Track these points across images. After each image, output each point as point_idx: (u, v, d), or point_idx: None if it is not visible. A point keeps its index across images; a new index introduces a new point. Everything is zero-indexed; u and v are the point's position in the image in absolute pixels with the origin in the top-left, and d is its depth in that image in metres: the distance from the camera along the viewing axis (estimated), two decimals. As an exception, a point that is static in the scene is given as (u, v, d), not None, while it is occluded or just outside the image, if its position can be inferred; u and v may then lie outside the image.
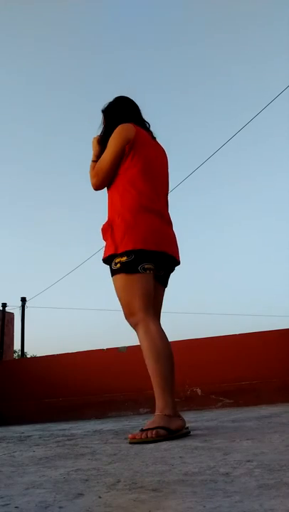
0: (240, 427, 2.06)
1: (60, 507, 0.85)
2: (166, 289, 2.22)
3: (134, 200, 2.02)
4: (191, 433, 1.92)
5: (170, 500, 0.83)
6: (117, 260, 1.96)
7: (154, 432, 1.74)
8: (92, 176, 2.13)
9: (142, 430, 1.78)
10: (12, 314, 15.05)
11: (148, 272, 1.97)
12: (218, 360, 4.00)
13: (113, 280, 2.01)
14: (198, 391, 3.93)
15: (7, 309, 14.69)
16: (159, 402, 1.85)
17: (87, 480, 1.09)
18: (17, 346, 15.95)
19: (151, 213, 2.02)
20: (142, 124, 2.24)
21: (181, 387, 3.96)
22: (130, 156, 2.07)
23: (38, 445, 2.01)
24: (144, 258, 1.95)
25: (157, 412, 1.83)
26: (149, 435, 1.73)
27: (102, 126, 2.25)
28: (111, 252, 1.99)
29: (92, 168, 2.16)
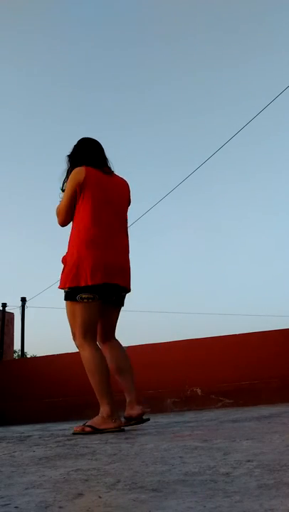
0: (240, 427, 2.06)
1: (60, 507, 0.85)
2: (122, 308, 2.56)
3: (82, 236, 2.30)
4: (191, 433, 1.92)
5: (170, 500, 0.83)
6: (66, 291, 2.31)
7: (86, 428, 2.27)
8: (56, 215, 2.43)
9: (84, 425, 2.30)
10: (12, 314, 15.06)
11: (86, 300, 2.28)
12: (218, 360, 4.00)
13: (66, 305, 2.36)
14: (198, 391, 3.93)
15: (7, 309, 14.69)
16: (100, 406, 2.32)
17: (87, 480, 1.09)
18: (17, 346, 15.95)
19: (98, 249, 2.29)
20: (100, 163, 2.46)
21: (181, 387, 3.96)
22: (81, 197, 2.34)
23: (38, 445, 2.01)
24: (82, 290, 2.27)
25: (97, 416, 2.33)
26: (86, 430, 2.27)
27: (65, 171, 2.50)
28: (60, 285, 2.33)
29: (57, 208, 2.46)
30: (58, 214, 2.41)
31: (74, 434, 2.30)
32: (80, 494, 0.94)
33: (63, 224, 2.40)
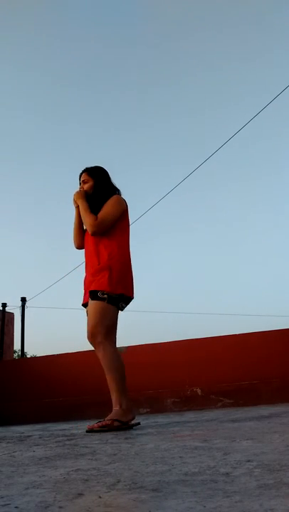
0: (240, 427, 2.06)
1: (60, 507, 0.85)
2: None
3: (125, 254, 2.68)
4: (191, 433, 1.92)
5: (170, 500, 0.83)
6: (105, 293, 2.52)
7: (109, 422, 2.38)
8: (94, 225, 2.64)
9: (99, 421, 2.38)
10: (12, 314, 15.06)
11: (121, 308, 2.60)
12: (218, 360, 4.00)
13: (93, 303, 2.52)
14: (198, 391, 3.93)
15: (7, 309, 14.69)
16: (115, 401, 2.48)
17: (87, 480, 1.09)
18: (17, 346, 15.96)
19: (130, 267, 2.71)
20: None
21: (181, 387, 3.96)
22: (121, 221, 2.73)
23: (38, 445, 2.01)
24: (124, 299, 2.60)
25: (115, 407, 2.46)
26: (115, 424, 2.37)
27: (89, 183, 2.79)
28: (104, 288, 2.52)
29: (87, 214, 2.68)
30: (99, 225, 2.64)
31: (94, 431, 2.36)
32: (80, 494, 0.94)
33: (100, 233, 2.65)
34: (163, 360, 4.12)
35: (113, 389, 2.48)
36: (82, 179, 2.82)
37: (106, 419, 2.42)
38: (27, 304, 14.78)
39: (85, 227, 2.78)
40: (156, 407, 3.96)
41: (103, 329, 2.50)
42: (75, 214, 2.83)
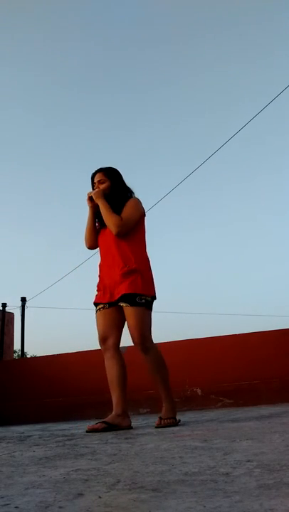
0: (240, 427, 2.06)
1: (60, 507, 0.85)
2: None
3: (146, 256, 2.75)
4: (191, 433, 1.92)
5: (170, 500, 0.83)
6: (142, 297, 2.57)
7: (172, 420, 2.51)
8: (120, 225, 2.66)
9: (161, 419, 2.51)
10: (12, 314, 15.05)
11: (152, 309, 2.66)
12: (218, 360, 4.00)
13: (136, 310, 2.55)
14: (198, 391, 3.93)
15: (7, 309, 14.68)
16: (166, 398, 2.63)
17: (87, 480, 1.09)
18: (17, 346, 15.94)
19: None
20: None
21: (181, 387, 3.96)
22: (140, 224, 2.79)
23: (38, 445, 2.01)
24: (153, 301, 2.66)
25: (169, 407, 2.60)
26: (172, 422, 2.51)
27: (105, 183, 2.79)
28: (140, 291, 2.57)
29: (111, 215, 2.68)
30: (123, 226, 2.66)
31: (158, 427, 2.45)
32: (80, 494, 0.94)
33: (121, 235, 2.67)
34: (163, 360, 4.12)
35: (165, 387, 2.60)
36: (97, 179, 2.82)
37: (165, 417, 2.52)
38: (27, 304, 14.78)
39: (94, 228, 2.80)
40: (156, 407, 3.96)
41: (149, 334, 2.60)
42: (89, 213, 2.83)
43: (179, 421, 2.55)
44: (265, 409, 3.07)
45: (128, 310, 2.55)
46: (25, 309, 14.74)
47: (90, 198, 2.80)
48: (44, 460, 1.49)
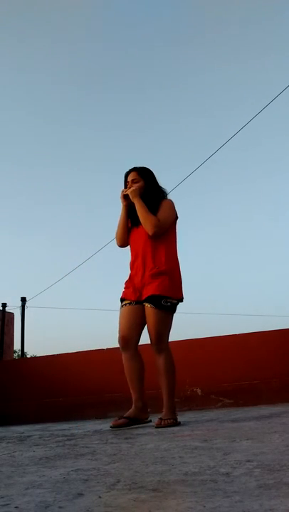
0: (240, 427, 2.06)
1: (60, 507, 0.85)
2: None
3: (177, 259, 2.78)
4: (191, 433, 1.92)
5: (170, 500, 0.83)
6: (168, 300, 2.59)
7: (172, 421, 2.51)
8: (157, 226, 2.68)
9: (161, 419, 2.51)
10: (12, 314, 15.05)
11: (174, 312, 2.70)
12: (218, 360, 4.00)
13: (158, 313, 2.57)
14: (198, 391, 3.93)
15: (7, 309, 14.68)
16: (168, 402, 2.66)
17: (87, 480, 1.09)
18: (17, 346, 15.94)
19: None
20: None
21: (181, 387, 3.95)
22: (174, 226, 2.83)
23: (38, 445, 2.01)
24: (178, 303, 2.69)
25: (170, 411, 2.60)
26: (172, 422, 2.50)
27: (139, 183, 2.79)
28: (167, 293, 2.59)
29: (149, 215, 2.69)
30: (161, 227, 2.68)
31: (158, 427, 2.46)
32: (80, 494, 0.94)
33: (157, 235, 2.68)
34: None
35: (168, 392, 2.64)
36: (131, 178, 2.82)
37: (166, 418, 2.53)
38: (27, 304, 14.78)
39: (127, 226, 2.82)
40: (156, 407, 3.96)
41: (167, 337, 2.64)
42: (123, 212, 2.82)
43: (180, 423, 2.55)
44: (265, 409, 3.07)
45: (151, 311, 2.57)
46: (25, 309, 14.74)
47: (125, 196, 2.79)
48: (44, 460, 1.49)
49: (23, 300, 14.76)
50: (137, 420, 2.58)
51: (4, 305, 14.54)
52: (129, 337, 2.66)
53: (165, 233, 2.73)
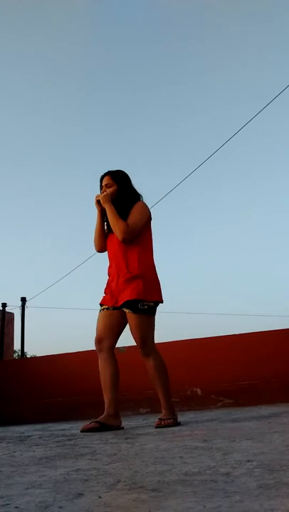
0: (240, 427, 2.06)
1: (60, 507, 0.85)
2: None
3: (152, 261, 2.75)
4: (191, 433, 1.92)
5: (170, 500, 0.83)
6: (145, 303, 2.57)
7: (173, 421, 2.50)
8: (126, 232, 2.66)
9: (161, 419, 2.50)
10: (12, 314, 15.03)
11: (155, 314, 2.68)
12: (218, 360, 4.00)
13: (137, 317, 2.57)
14: (198, 391, 3.93)
15: (7, 309, 14.68)
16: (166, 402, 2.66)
17: (87, 480, 1.09)
18: (17, 346, 15.94)
19: (157, 273, 2.76)
20: None
21: (181, 387, 3.96)
22: (147, 228, 2.79)
23: (38, 445, 2.01)
24: (157, 306, 2.67)
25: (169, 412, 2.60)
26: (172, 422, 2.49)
27: (112, 187, 2.77)
28: (141, 297, 2.57)
29: (118, 220, 2.67)
30: (131, 232, 2.66)
31: (158, 427, 2.46)
32: (80, 494, 0.94)
33: (127, 241, 2.67)
34: (163, 360, 4.12)
35: (164, 394, 2.63)
36: (104, 183, 2.81)
37: (165, 418, 2.52)
38: (27, 304, 14.79)
39: (103, 231, 2.82)
40: (156, 407, 3.95)
41: (151, 340, 2.64)
42: (98, 217, 2.83)
43: (180, 423, 2.55)
44: (265, 409, 3.07)
45: (130, 316, 2.57)
46: (25, 309, 14.75)
47: (98, 202, 2.79)
48: (44, 460, 1.49)
49: (23, 300, 14.76)
50: (108, 427, 2.49)
51: (4, 305, 14.53)
52: (103, 338, 2.66)
53: (138, 236, 2.71)
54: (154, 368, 2.61)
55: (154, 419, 2.69)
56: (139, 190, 2.86)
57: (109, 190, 2.77)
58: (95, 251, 2.92)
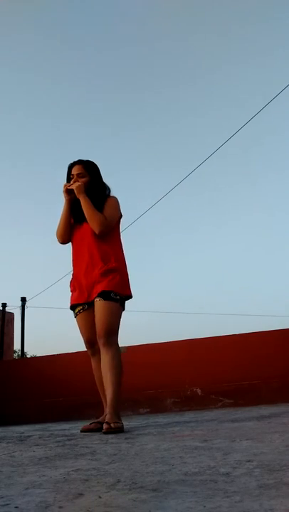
0: (240, 427, 2.06)
1: (60, 507, 0.85)
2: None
3: (123, 256, 2.71)
4: (191, 433, 1.92)
5: (170, 500, 0.83)
6: (118, 294, 2.53)
7: (121, 424, 2.32)
8: (104, 225, 2.61)
9: (109, 424, 2.28)
10: (12, 314, 15.04)
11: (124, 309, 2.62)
12: (218, 360, 4.00)
13: (108, 304, 2.49)
14: (198, 391, 3.93)
15: (7, 309, 14.68)
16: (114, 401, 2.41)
17: (87, 480, 1.09)
18: (17, 346, 15.94)
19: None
20: None
21: (181, 387, 3.96)
22: (118, 224, 2.79)
23: (38, 445, 2.01)
24: (127, 300, 2.64)
25: (114, 412, 2.38)
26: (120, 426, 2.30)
27: (85, 178, 2.69)
28: (117, 290, 2.53)
29: (95, 213, 2.61)
30: (107, 226, 2.62)
31: (107, 432, 2.25)
32: (80, 494, 0.94)
33: (103, 234, 2.62)
34: (163, 360, 4.12)
35: (113, 389, 2.39)
36: (76, 172, 2.70)
37: (114, 421, 2.31)
38: (27, 304, 14.79)
39: (69, 222, 2.72)
40: (156, 407, 3.96)
41: (116, 329, 2.53)
42: (66, 207, 2.72)
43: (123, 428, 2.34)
44: (265, 409, 3.07)
45: (100, 304, 2.49)
46: (25, 309, 14.75)
47: (68, 191, 2.69)
48: (44, 460, 1.49)
49: (23, 300, 14.77)
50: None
51: (4, 305, 14.53)
52: (93, 340, 2.57)
53: (111, 231, 2.66)
54: (112, 361, 2.44)
55: (154, 419, 2.69)
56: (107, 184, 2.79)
57: (82, 181, 2.68)
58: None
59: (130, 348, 4.09)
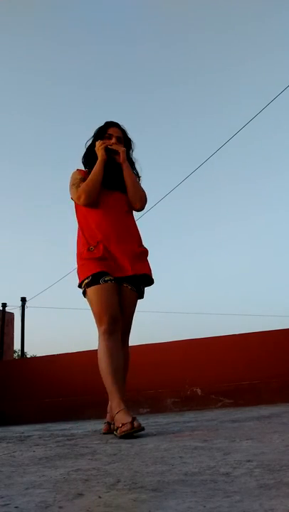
0: (240, 427, 2.06)
1: (60, 507, 0.85)
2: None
3: None
4: (191, 433, 1.92)
5: (170, 500, 0.83)
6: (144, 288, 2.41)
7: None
8: (145, 201, 2.44)
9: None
10: (12, 314, 15.05)
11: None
12: (218, 360, 4.00)
13: (136, 300, 2.37)
14: (198, 391, 3.93)
15: (7, 309, 14.69)
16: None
17: (87, 480, 1.09)
18: (17, 346, 15.97)
19: None
20: None
21: (181, 387, 3.96)
22: None
23: (38, 445, 2.01)
24: None
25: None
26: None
27: (123, 146, 2.47)
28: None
29: (139, 186, 2.45)
30: (145, 205, 2.46)
31: (104, 433, 2.26)
32: (80, 494, 0.94)
33: (141, 210, 2.48)
34: (163, 360, 4.12)
35: (124, 385, 2.21)
36: (117, 134, 2.44)
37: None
38: (27, 304, 14.80)
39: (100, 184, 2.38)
40: (156, 407, 3.96)
41: None
42: (101, 166, 2.36)
43: None
44: (265, 409, 3.07)
45: (134, 296, 2.32)
46: (25, 309, 14.76)
47: (108, 150, 2.40)
48: (44, 460, 1.49)
49: (23, 300, 14.77)
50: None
51: (4, 305, 14.54)
52: (119, 317, 2.24)
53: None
54: (127, 358, 2.42)
55: (154, 419, 2.69)
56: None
57: (124, 149, 2.43)
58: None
59: (130, 348, 4.08)
